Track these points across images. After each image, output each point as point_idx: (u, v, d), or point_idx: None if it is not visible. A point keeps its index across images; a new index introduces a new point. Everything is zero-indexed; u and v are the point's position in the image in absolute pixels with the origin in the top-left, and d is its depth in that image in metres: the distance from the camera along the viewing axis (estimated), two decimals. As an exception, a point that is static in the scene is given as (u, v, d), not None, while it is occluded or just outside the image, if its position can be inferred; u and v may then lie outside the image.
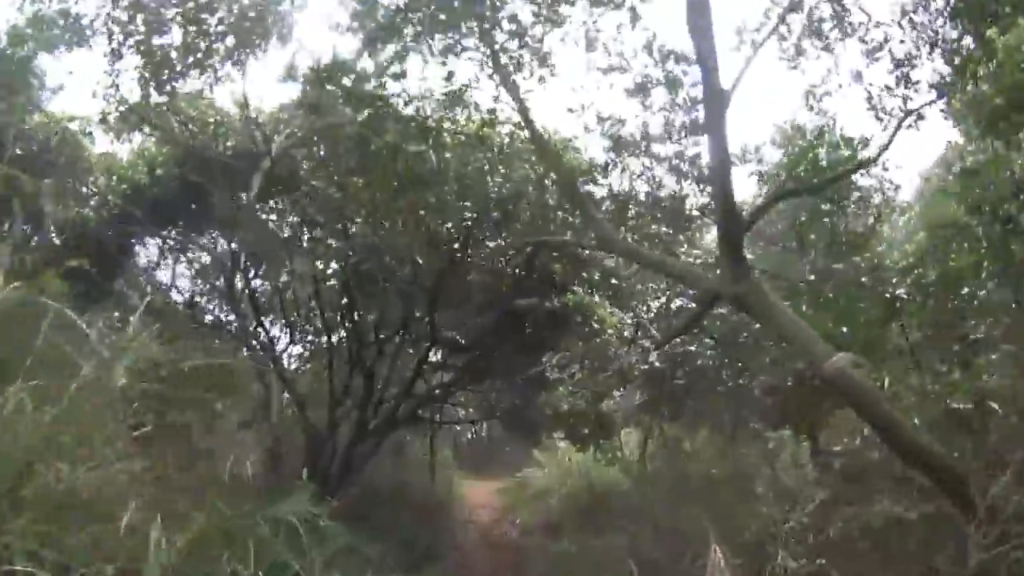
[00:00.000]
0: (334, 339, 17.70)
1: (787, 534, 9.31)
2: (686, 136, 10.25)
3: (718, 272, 9.14)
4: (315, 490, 11.97)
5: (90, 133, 15.74)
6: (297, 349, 21.07)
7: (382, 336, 16.43)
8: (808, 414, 12.85)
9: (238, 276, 16.61)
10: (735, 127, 11.01)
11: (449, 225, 13.34)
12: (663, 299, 13.29)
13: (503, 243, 11.65)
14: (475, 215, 12.41)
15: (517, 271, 14.36)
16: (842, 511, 9.22)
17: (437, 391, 19.28)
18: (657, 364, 12.11)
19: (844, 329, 9.97)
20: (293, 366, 21.90)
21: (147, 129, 14.08)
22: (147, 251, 17.87)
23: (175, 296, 18.82)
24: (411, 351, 18.48)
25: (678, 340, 11.92)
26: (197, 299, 18.53)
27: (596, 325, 13.87)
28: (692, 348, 12.03)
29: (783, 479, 10.68)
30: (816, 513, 9.67)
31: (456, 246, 13.93)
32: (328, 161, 12.51)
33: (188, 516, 9.78)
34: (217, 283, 18.15)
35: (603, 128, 10.52)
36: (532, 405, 18.79)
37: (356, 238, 13.31)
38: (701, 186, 10.57)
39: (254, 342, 17.34)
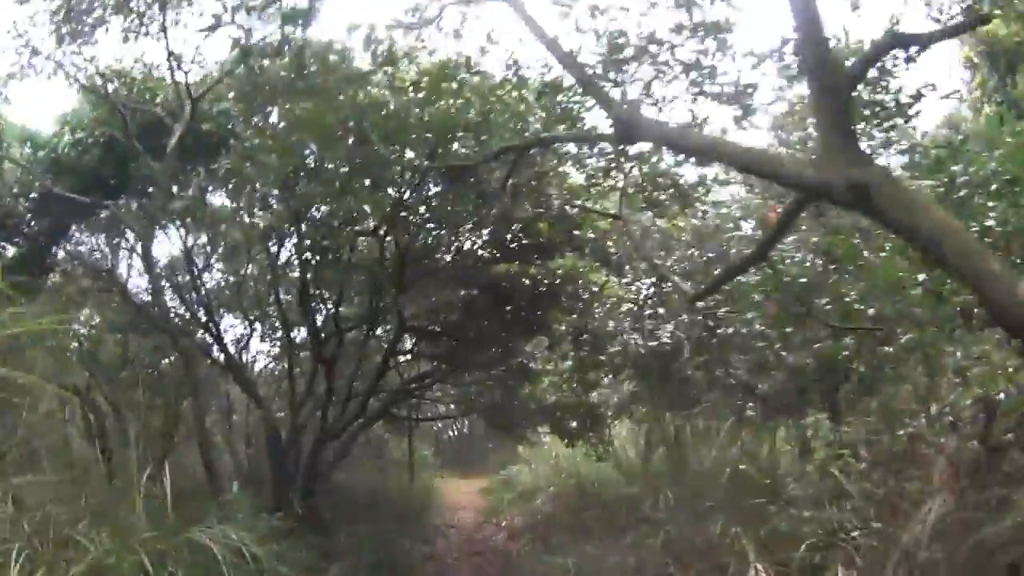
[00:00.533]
0: (295, 333, 15.05)
1: (851, 545, 6.81)
2: (705, 37, 7.60)
3: (814, 159, 6.22)
4: (249, 505, 9.51)
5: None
6: (266, 346, 18.46)
7: (342, 326, 13.74)
8: (831, 394, 10.40)
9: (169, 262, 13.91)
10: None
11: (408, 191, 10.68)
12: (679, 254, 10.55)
13: (475, 158, 8.84)
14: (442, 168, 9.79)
15: (494, 231, 11.59)
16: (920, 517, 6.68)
17: (411, 385, 16.63)
18: (667, 340, 9.56)
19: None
20: (259, 365, 19.41)
21: (64, 82, 11.27)
22: (88, 234, 14.85)
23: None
24: (384, 343, 15.74)
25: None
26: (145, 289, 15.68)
27: (590, 293, 11.23)
28: (720, 312, 9.35)
29: (824, 474, 8.20)
30: (882, 518, 7.20)
31: (422, 210, 11.29)
32: (261, 107, 9.86)
33: (79, 546, 7.39)
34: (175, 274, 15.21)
35: (599, 25, 7.83)
36: (515, 398, 16.39)
37: (302, 205, 10.62)
38: (727, 102, 7.88)
39: (205, 337, 14.67)
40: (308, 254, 12.42)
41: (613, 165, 9.53)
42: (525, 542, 15.73)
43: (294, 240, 12.34)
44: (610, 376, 15.76)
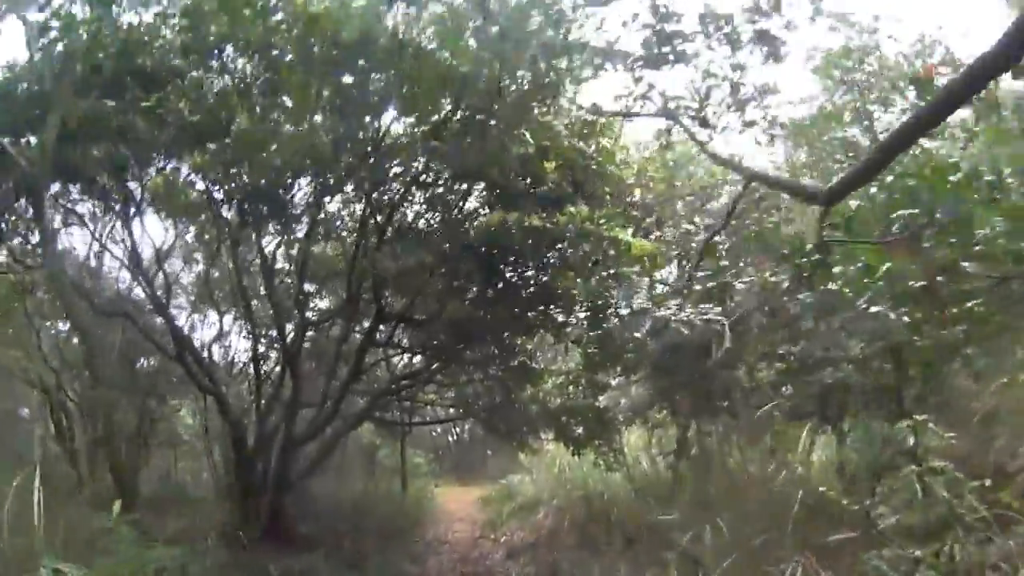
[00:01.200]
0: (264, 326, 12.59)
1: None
2: None
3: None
4: (131, 534, 7.04)
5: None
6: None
7: (304, 308, 11.23)
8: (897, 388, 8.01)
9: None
10: None
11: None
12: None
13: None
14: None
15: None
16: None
17: (400, 383, 14.16)
18: (719, 318, 7.01)
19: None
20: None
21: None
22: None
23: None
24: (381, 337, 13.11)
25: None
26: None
27: (613, 253, 8.41)
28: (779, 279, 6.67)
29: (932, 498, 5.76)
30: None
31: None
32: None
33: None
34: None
35: None
36: (516, 401, 13.98)
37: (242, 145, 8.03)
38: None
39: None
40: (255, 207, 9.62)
41: (643, 69, 6.91)
42: (526, 561, 13.33)
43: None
44: (620, 377, 13.39)
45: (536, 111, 7.57)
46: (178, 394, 16.84)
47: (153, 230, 13.84)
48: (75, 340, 16.45)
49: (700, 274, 7.42)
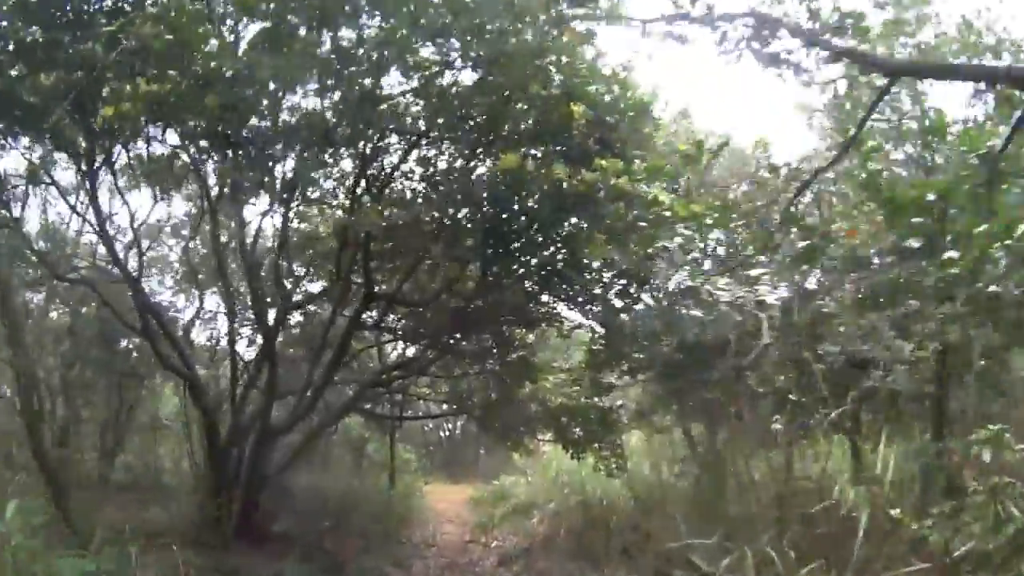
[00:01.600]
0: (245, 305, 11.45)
1: None
2: None
3: None
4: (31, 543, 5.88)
5: None
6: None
7: (293, 296, 10.07)
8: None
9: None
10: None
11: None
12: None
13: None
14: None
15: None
16: None
17: (392, 373, 13.05)
18: (772, 300, 5.83)
19: None
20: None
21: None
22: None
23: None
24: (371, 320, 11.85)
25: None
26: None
27: (652, 216, 7.03)
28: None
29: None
30: None
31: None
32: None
33: None
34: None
35: None
36: (513, 398, 12.94)
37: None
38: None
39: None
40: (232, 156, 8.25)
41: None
42: (519, 569, 12.27)
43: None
44: (626, 376, 12.35)
45: (564, 39, 6.37)
46: (155, 375, 15.80)
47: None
48: (52, 313, 15.48)
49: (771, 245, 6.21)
